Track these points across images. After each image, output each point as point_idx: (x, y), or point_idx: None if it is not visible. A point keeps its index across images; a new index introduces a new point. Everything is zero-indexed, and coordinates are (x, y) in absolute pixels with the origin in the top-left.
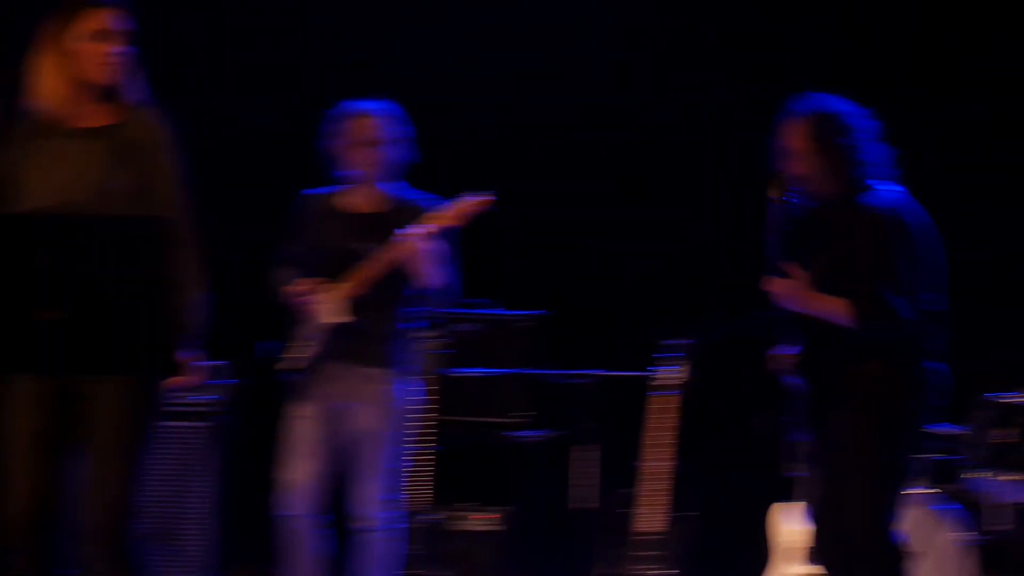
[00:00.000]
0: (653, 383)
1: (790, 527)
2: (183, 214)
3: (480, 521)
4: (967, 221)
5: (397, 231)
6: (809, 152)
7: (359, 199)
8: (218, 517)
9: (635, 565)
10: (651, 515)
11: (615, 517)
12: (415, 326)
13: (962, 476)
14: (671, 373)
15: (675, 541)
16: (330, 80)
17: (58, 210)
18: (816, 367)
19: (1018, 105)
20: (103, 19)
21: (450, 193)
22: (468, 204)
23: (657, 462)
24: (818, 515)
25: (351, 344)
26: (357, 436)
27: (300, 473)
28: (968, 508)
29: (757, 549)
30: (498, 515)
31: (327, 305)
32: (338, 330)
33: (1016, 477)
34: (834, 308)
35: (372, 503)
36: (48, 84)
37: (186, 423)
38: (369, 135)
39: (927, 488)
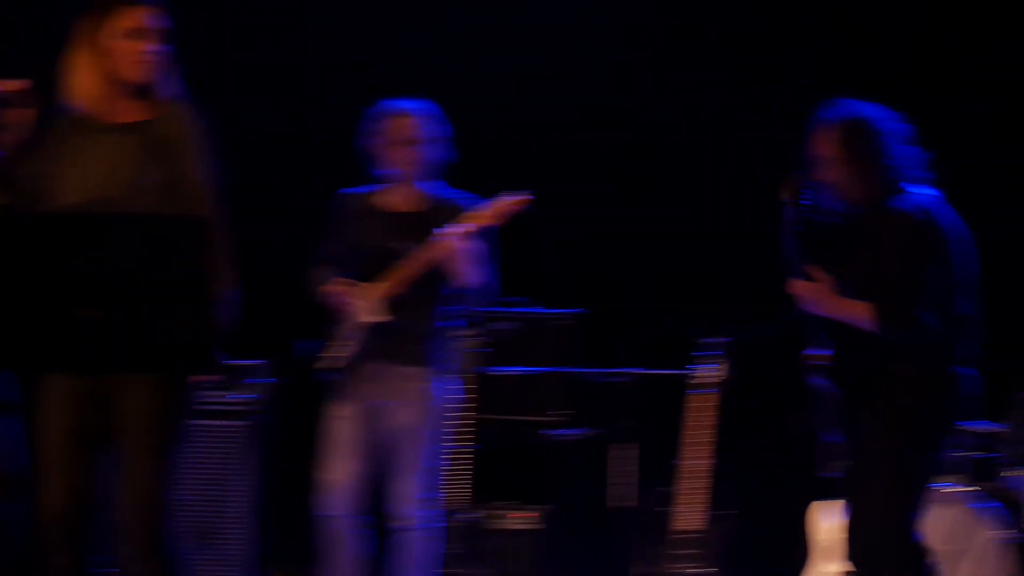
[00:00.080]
0: (691, 381)
1: (829, 525)
2: (212, 211)
3: (518, 520)
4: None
5: (435, 230)
6: (839, 159)
7: (397, 198)
8: (257, 516)
9: (673, 563)
10: (689, 513)
11: (653, 515)
12: (453, 325)
13: (1001, 474)
14: (709, 371)
15: (713, 539)
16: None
17: (92, 207)
18: (846, 369)
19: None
20: (138, 17)
21: (485, 192)
22: (506, 203)
23: (695, 460)
24: (847, 515)
25: (389, 343)
26: (395, 434)
27: (340, 474)
28: (1007, 506)
29: (796, 547)
30: (536, 514)
31: (365, 304)
32: (376, 329)
33: None
34: (857, 312)
35: (410, 502)
36: (83, 81)
37: (225, 422)
38: (408, 134)
39: (966, 486)
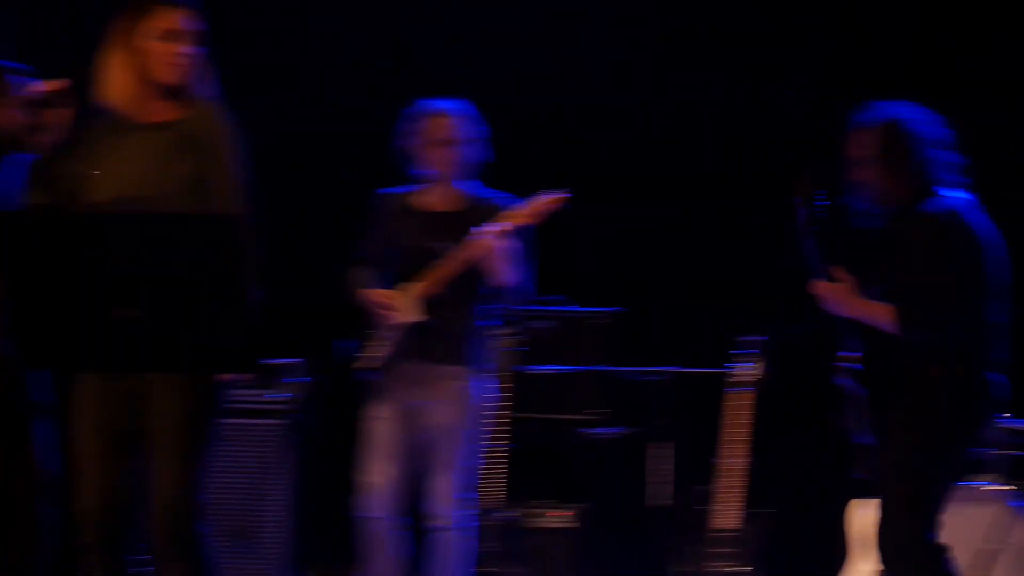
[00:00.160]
0: (729, 380)
1: (867, 523)
2: (241, 210)
3: (555, 518)
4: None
5: (473, 229)
6: (876, 161)
7: (435, 198)
8: (294, 515)
9: (710, 562)
10: (726, 512)
11: (690, 514)
12: (490, 324)
13: None
14: (747, 370)
15: (750, 538)
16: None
17: (126, 206)
18: (876, 370)
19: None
20: (173, 19)
21: (522, 192)
22: (543, 202)
23: (732, 459)
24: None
25: (427, 342)
26: (433, 433)
27: (379, 475)
28: None
29: (834, 546)
30: (573, 512)
31: (403, 304)
32: (414, 329)
33: None
34: (879, 314)
35: (447, 501)
36: (117, 81)
37: (262, 421)
38: (445, 134)
39: (1003, 484)
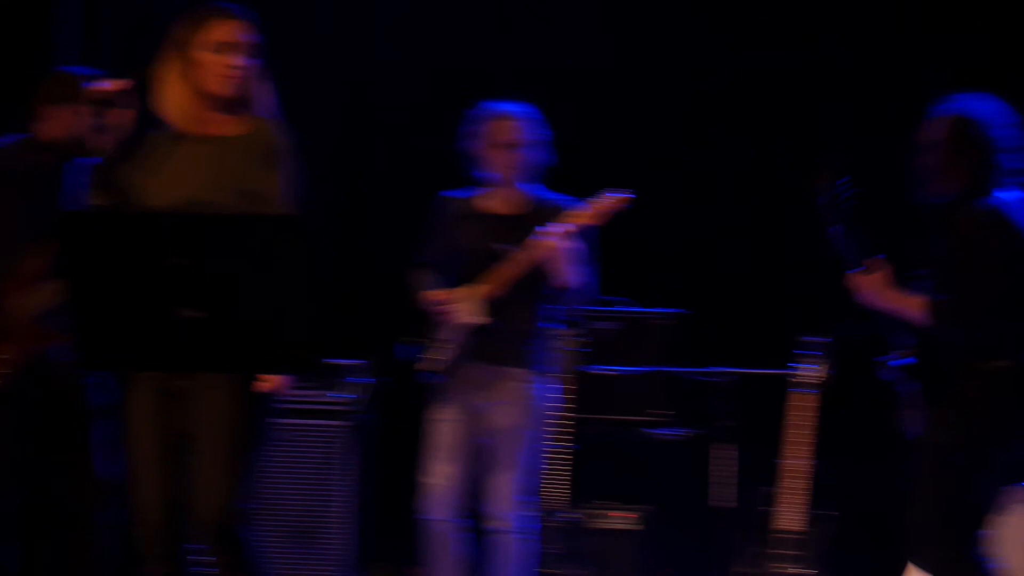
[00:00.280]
0: (792, 381)
1: None
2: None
3: (618, 519)
4: None
5: (537, 229)
6: (942, 150)
7: (498, 201)
8: (357, 516)
9: (774, 564)
10: (790, 514)
11: (754, 516)
12: (554, 325)
13: None
14: (811, 371)
15: (814, 540)
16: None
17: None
18: (928, 365)
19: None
20: (229, 31)
21: (585, 192)
22: (606, 203)
23: (796, 460)
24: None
25: (490, 344)
26: (496, 434)
27: (443, 477)
28: None
29: (897, 548)
30: (636, 514)
31: (466, 306)
32: (477, 330)
33: None
34: (911, 306)
35: (508, 503)
36: (172, 93)
37: (326, 421)
38: (509, 137)
39: None
